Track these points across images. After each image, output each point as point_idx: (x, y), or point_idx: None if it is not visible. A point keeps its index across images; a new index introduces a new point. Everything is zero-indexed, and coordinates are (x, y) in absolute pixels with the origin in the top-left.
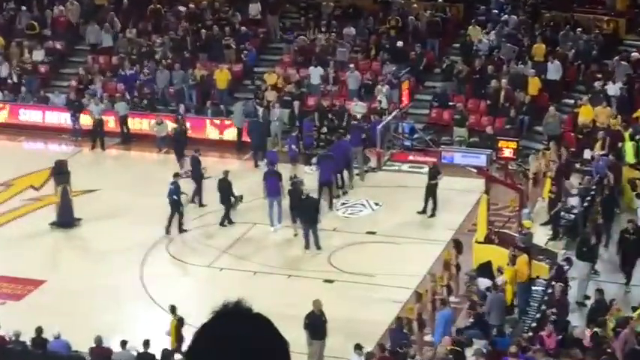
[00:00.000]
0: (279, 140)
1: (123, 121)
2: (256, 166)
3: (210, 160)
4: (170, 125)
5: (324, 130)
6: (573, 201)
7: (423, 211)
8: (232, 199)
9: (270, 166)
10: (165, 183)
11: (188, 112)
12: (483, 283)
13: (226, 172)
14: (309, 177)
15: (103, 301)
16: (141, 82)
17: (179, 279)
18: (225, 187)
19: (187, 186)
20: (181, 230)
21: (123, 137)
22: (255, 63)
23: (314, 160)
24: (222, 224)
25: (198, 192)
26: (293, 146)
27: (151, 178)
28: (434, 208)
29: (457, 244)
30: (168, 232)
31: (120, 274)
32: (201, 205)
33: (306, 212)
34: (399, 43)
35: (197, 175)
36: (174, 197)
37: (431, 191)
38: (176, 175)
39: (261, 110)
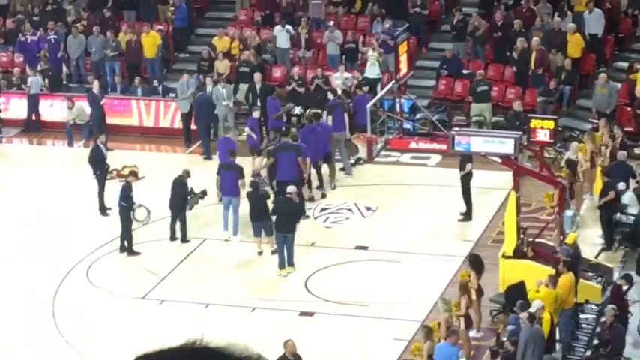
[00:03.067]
0: (232, 126)
1: (33, 103)
2: (208, 158)
3: (144, 155)
4: (85, 108)
5: (297, 110)
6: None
7: (466, 215)
8: (188, 198)
9: (225, 157)
10: (81, 186)
11: (113, 90)
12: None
13: (187, 172)
14: None
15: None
16: (45, 52)
17: (104, 316)
18: (178, 191)
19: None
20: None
21: (31, 125)
22: (191, 23)
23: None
24: (182, 239)
25: (100, 195)
26: (253, 133)
27: (64, 180)
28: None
29: (475, 261)
30: (123, 250)
31: (23, 312)
32: (103, 213)
33: (282, 218)
34: None
35: (97, 172)
36: (123, 204)
37: (461, 186)
38: (132, 174)
39: (210, 86)
